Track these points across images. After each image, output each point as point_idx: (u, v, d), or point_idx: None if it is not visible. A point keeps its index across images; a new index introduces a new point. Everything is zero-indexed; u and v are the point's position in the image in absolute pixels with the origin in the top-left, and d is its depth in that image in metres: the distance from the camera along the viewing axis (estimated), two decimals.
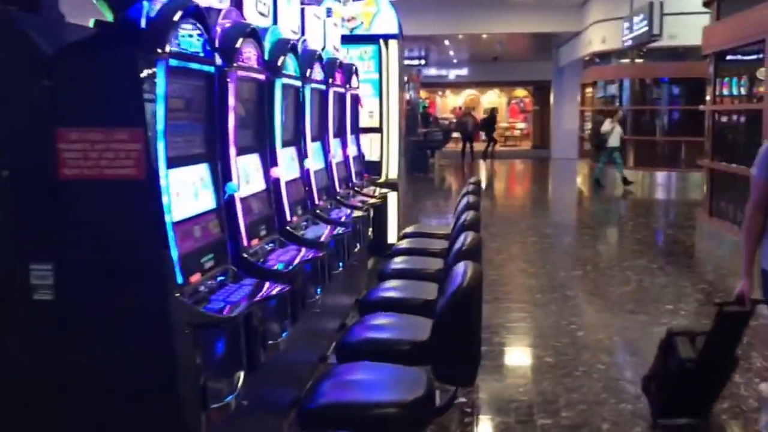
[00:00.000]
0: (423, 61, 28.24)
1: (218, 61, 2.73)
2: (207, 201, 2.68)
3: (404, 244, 5.25)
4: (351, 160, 5.57)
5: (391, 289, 3.99)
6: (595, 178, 15.56)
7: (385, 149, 7.77)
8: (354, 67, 5.79)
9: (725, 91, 8.37)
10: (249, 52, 3.07)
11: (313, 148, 4.36)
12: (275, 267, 2.98)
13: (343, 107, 5.50)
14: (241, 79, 2.96)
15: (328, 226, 4.02)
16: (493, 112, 24.09)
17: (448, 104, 39.71)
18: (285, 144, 3.72)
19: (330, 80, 4.78)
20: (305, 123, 4.21)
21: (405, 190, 8.54)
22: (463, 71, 33.16)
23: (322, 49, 5.11)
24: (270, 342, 2.90)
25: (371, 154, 7.63)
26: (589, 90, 19.07)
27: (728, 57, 8.47)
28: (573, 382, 4.60)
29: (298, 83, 4.05)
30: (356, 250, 5.09)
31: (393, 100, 7.81)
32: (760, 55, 7.29)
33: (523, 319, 6.05)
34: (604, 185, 15.41)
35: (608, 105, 17.45)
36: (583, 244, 9.54)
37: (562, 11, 19.02)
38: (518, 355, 5.36)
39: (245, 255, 2.88)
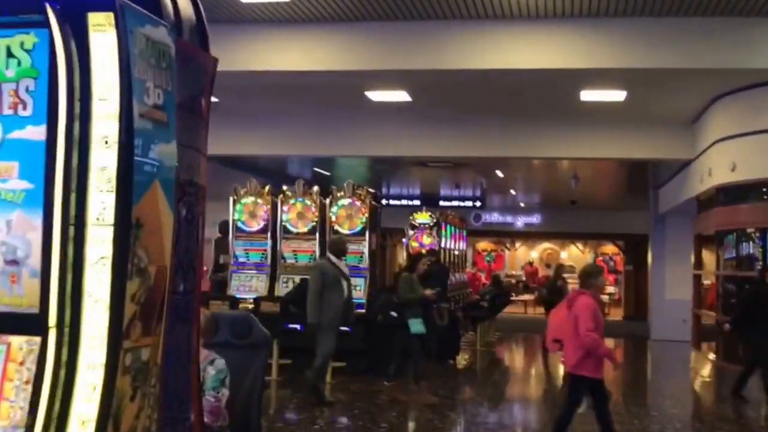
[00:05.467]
0: (478, 203, 23.16)
1: None
2: None
3: None
4: None
5: None
6: None
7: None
8: None
9: None
10: None
11: None
12: None
13: None
14: None
15: None
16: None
17: (518, 258, 34.22)
18: None
19: None
20: None
21: None
22: (534, 218, 27.81)
23: None
24: None
25: None
26: (709, 247, 13.22)
27: None
28: None
29: None
30: None
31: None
32: None
33: None
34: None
35: (742, 269, 11.53)
36: None
37: (663, 133, 13.61)
38: None
39: None
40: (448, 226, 16.36)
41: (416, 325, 9.90)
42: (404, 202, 23.29)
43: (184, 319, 2.67)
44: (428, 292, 10.54)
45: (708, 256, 14.60)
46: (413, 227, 15.61)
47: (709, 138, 12.21)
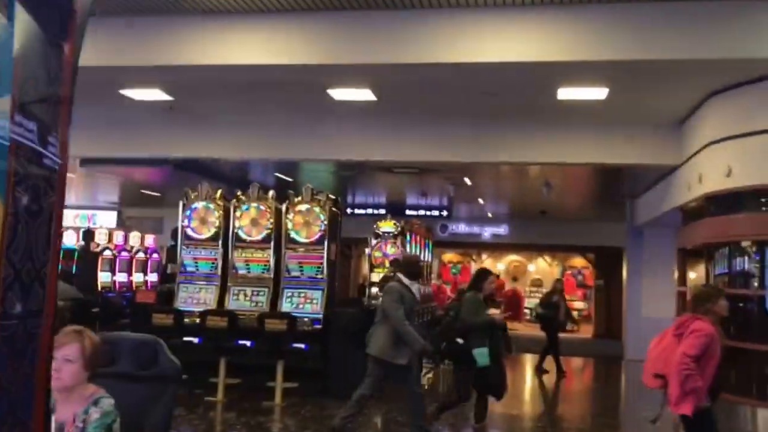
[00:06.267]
0: (445, 212, 22.43)
1: None
2: None
3: None
4: None
5: None
6: None
7: None
8: None
9: None
10: None
11: None
12: None
13: None
14: None
15: None
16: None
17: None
18: None
19: None
20: None
21: None
22: (501, 229, 27.03)
23: None
24: None
25: None
26: (693, 261, 12.45)
27: None
28: None
29: None
30: None
31: None
32: None
33: None
34: None
35: (735, 286, 10.75)
36: None
37: (647, 136, 12.80)
38: None
39: None
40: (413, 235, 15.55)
41: (482, 357, 8.34)
42: (370, 211, 22.44)
43: (22, 353, 1.76)
44: (497, 315, 8.97)
45: (691, 272, 13.86)
46: (377, 236, 14.80)
47: (699, 141, 11.21)
